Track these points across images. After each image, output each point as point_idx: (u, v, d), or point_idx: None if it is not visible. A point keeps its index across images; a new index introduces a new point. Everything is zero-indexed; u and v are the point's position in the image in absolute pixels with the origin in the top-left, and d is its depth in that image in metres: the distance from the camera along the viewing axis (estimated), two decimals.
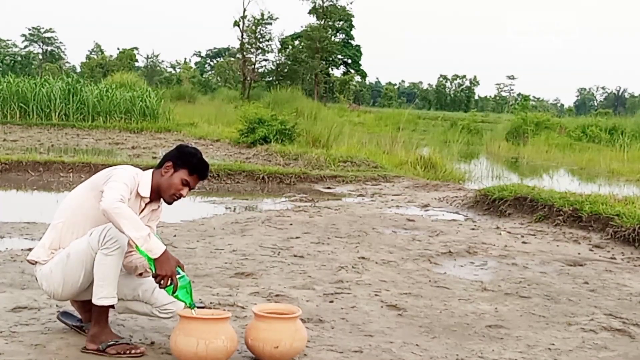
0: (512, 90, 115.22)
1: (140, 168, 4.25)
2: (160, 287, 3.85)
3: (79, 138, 21.34)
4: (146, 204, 4.17)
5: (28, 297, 4.98)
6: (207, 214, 9.47)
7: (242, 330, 4.14)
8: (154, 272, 3.80)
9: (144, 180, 4.13)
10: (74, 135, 22.11)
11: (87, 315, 4.15)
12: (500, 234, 8.63)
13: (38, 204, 10.65)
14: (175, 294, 3.85)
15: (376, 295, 5.63)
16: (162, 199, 4.23)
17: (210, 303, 5.02)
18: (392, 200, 11.55)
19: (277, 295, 5.40)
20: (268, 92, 44.75)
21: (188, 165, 4.15)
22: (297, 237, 7.87)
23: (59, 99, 26.86)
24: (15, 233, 7.53)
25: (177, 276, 3.83)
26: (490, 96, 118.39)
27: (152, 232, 3.82)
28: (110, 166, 4.19)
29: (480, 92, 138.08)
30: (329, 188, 13.08)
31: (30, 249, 6.55)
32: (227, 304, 5.06)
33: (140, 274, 4.18)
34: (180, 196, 4.17)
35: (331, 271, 6.34)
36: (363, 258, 6.95)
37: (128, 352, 3.91)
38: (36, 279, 4.16)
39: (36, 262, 4.10)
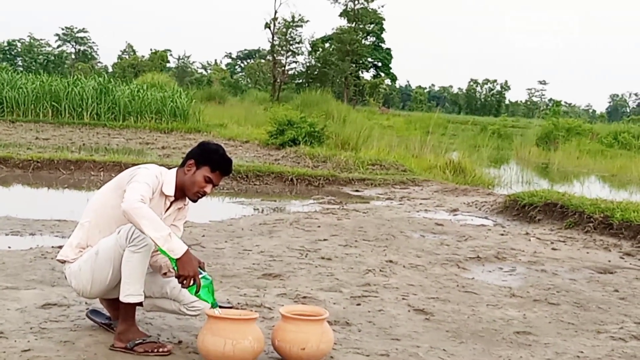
0: (543, 95, 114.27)
1: (167, 167, 4.27)
2: (183, 287, 3.84)
3: (110, 137, 21.51)
4: (171, 203, 4.18)
5: (58, 294, 5.03)
6: (236, 215, 9.51)
7: (269, 331, 4.15)
8: (176, 272, 3.80)
9: (168, 179, 4.14)
10: (105, 135, 22.29)
11: (116, 313, 4.18)
12: (530, 240, 8.57)
13: (69, 202, 10.74)
14: (197, 294, 3.85)
15: (403, 299, 5.61)
16: (187, 197, 4.25)
17: (238, 303, 5.03)
18: (421, 204, 11.52)
19: (304, 297, 5.40)
20: (298, 94, 44.84)
21: (210, 162, 4.13)
22: (324, 240, 7.87)
23: (91, 99, 27.11)
24: (46, 230, 7.60)
25: (200, 276, 3.81)
26: (521, 101, 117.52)
27: (173, 232, 3.80)
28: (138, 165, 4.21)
29: (511, 96, 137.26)
30: (357, 191, 13.07)
31: (60, 247, 6.60)
32: (254, 304, 5.07)
33: (165, 274, 4.19)
34: (205, 193, 4.17)
35: (358, 274, 6.33)
36: (391, 261, 6.93)
37: (155, 350, 3.94)
38: (65, 277, 4.20)
39: (65, 261, 4.14)
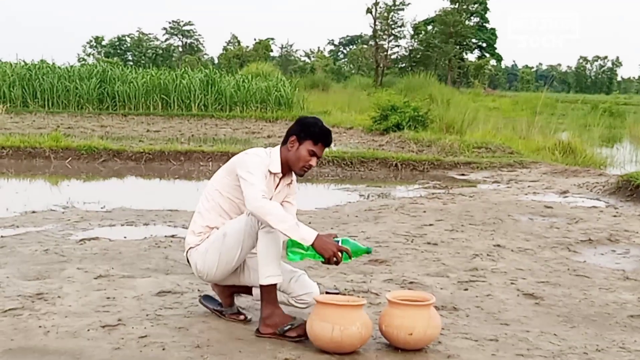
0: None
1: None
2: (334, 265, 3.89)
3: (217, 128, 21.99)
4: (280, 179, 4.28)
5: (172, 281, 5.20)
6: (341, 202, 9.57)
7: (376, 317, 4.17)
8: (322, 260, 3.87)
9: (274, 158, 4.23)
10: (213, 125, 22.80)
11: (228, 301, 4.31)
12: None
13: (180, 192, 11.07)
14: (352, 258, 3.94)
15: (512, 283, 5.53)
16: (293, 172, 4.32)
17: (345, 290, 5.08)
18: (529, 186, 11.29)
19: (410, 283, 5.41)
20: (400, 79, 44.66)
21: (311, 136, 4.20)
22: (430, 225, 7.83)
23: (198, 90, 27.80)
24: (159, 220, 7.85)
25: (339, 245, 3.89)
26: (634, 77, 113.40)
27: (299, 221, 3.89)
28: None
29: (623, 73, 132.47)
30: (463, 175, 12.93)
31: (173, 236, 6.87)
32: (361, 290, 5.11)
33: None
34: (310, 167, 4.25)
35: (465, 259, 6.28)
36: (498, 246, 6.84)
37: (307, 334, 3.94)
38: (188, 261, 4.31)
39: (189, 249, 4.28)
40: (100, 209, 8.48)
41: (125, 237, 6.89)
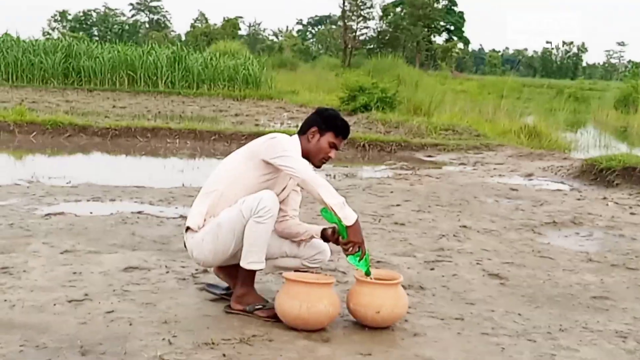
0: (622, 57, 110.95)
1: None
2: (347, 254, 3.95)
3: (184, 105, 21.82)
4: None
5: (139, 258, 5.17)
6: None
7: (344, 295, 4.19)
8: (344, 238, 3.91)
9: (297, 146, 4.16)
10: (180, 103, 22.63)
11: (235, 282, 4.18)
12: (608, 204, 8.40)
13: (146, 168, 10.99)
14: (360, 261, 3.95)
15: (478, 263, 5.59)
16: (311, 164, 4.24)
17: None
18: (495, 169, 11.39)
19: (378, 262, 5.43)
20: (369, 60, 44.59)
21: (334, 128, 4.21)
22: (397, 205, 7.87)
23: (165, 67, 27.54)
24: (125, 196, 7.79)
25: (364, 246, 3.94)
26: (599, 63, 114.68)
27: (345, 201, 3.88)
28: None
29: (588, 59, 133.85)
30: (430, 156, 13.00)
31: (140, 212, 6.82)
32: (328, 269, 5.12)
33: (302, 240, 4.26)
34: (329, 158, 4.24)
35: (432, 239, 6.33)
36: (464, 227, 6.90)
37: (275, 317, 3.95)
38: (185, 245, 4.18)
39: (189, 229, 4.11)
40: (65, 184, 8.39)
41: (91, 213, 6.82)
